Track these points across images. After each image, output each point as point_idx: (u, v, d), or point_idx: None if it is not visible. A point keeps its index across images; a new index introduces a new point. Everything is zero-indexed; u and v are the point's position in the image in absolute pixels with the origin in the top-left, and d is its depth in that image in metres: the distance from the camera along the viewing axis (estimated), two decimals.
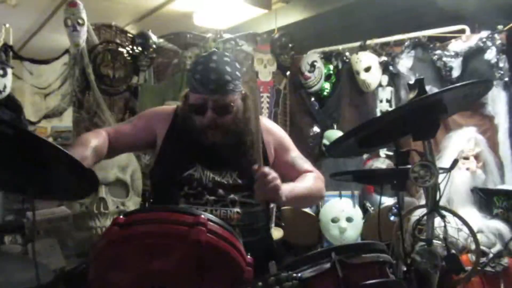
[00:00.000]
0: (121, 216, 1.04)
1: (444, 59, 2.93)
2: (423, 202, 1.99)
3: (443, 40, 3.02)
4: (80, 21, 2.68)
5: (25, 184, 1.13)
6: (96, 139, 1.47)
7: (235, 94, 1.50)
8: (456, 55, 2.89)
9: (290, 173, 1.60)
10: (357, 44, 3.29)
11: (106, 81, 2.87)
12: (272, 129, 1.66)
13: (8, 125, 0.99)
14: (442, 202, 1.70)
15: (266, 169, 1.33)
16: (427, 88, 1.48)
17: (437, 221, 1.59)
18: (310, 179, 1.57)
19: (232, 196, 1.49)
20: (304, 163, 1.65)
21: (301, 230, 2.95)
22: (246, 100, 1.55)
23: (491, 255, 2.18)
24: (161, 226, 1.01)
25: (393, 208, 2.48)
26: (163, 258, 0.97)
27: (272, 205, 1.49)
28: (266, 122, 1.69)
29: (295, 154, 1.65)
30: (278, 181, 1.33)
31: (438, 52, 2.97)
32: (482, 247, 2.12)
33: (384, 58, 3.18)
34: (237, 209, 1.48)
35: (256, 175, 1.31)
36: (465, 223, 1.85)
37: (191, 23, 3.95)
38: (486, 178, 2.59)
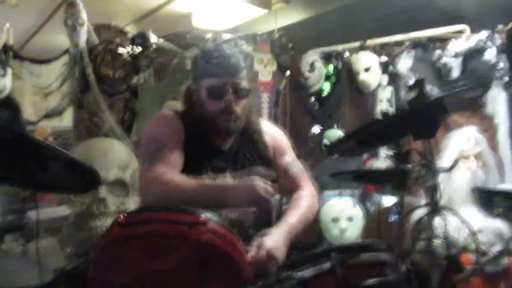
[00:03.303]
0: (121, 216, 1.04)
1: (444, 59, 2.93)
2: (423, 202, 1.99)
3: (443, 40, 3.02)
4: (80, 21, 2.68)
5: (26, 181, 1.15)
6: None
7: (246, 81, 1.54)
8: (456, 55, 2.90)
9: (283, 178, 1.59)
10: (357, 44, 3.29)
11: (106, 81, 2.86)
12: (271, 132, 1.66)
13: (5, 129, 1.00)
14: (442, 202, 1.70)
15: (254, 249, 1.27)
16: (427, 88, 1.49)
17: (437, 220, 1.59)
18: (304, 205, 1.54)
19: None
20: (299, 171, 1.63)
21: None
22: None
23: (491, 255, 2.17)
24: (161, 226, 1.01)
25: (393, 208, 2.47)
26: (163, 258, 0.97)
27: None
28: (265, 124, 1.68)
29: (291, 160, 1.64)
30: (270, 250, 1.28)
31: (438, 52, 2.97)
32: (482, 247, 2.12)
33: (384, 58, 3.18)
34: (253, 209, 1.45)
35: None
36: (465, 223, 1.85)
37: (190, 24, 3.95)
38: (486, 178, 2.58)
